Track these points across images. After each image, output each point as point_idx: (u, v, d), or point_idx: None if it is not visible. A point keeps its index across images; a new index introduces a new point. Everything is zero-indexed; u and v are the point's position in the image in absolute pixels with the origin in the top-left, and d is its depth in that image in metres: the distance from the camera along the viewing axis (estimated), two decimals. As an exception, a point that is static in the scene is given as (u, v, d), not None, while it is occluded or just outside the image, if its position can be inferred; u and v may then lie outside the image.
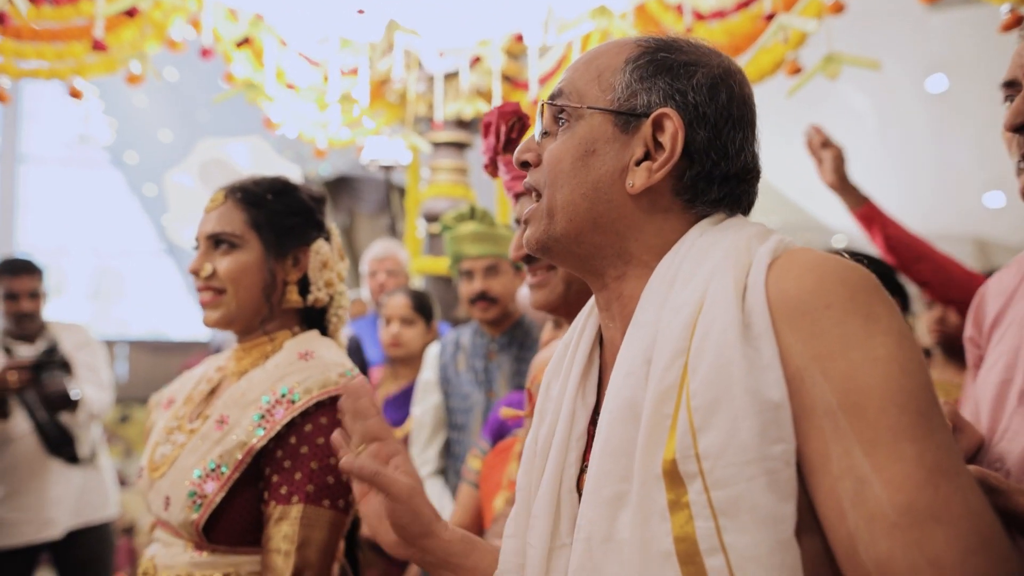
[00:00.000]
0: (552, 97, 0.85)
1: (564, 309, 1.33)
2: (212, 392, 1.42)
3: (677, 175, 0.79)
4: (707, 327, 0.69)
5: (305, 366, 1.32)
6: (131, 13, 3.16)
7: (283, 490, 1.25)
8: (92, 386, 3.08)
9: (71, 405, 2.88)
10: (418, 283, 4.15)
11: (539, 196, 0.85)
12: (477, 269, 2.43)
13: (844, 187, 2.17)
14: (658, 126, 0.79)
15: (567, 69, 0.87)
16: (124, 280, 11.07)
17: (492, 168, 1.42)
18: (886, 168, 6.19)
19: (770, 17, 2.80)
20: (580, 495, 0.81)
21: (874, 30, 4.46)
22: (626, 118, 0.80)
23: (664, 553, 0.68)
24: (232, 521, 1.26)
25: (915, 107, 5.44)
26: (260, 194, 1.40)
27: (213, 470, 1.26)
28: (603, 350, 0.90)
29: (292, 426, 1.27)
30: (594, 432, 0.83)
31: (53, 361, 2.86)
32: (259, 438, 1.26)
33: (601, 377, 0.88)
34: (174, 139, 8.74)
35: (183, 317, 10.82)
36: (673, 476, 0.68)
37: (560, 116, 0.84)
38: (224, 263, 1.35)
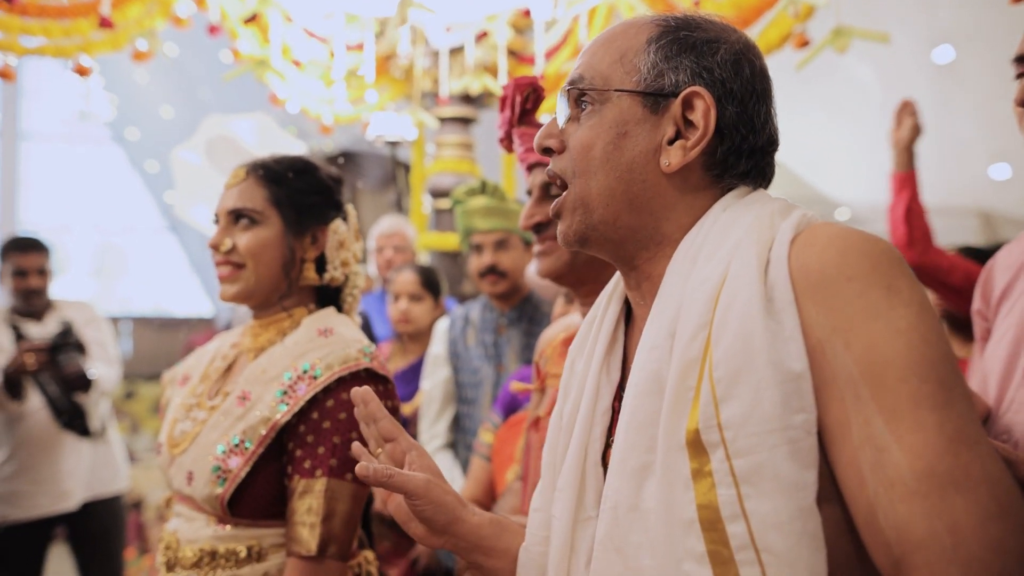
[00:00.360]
0: (573, 82, 0.85)
1: (570, 277, 1.34)
2: (228, 369, 1.44)
3: (709, 151, 0.81)
4: (730, 300, 0.71)
5: (325, 343, 1.34)
6: (137, -10, 3.14)
7: (307, 464, 1.27)
8: (101, 363, 3.11)
9: (88, 385, 2.91)
10: (424, 259, 4.16)
11: (563, 185, 0.86)
12: (487, 243, 2.44)
13: (906, 148, 2.39)
14: (688, 104, 0.80)
15: (583, 53, 0.87)
16: (127, 257, 11.08)
17: (507, 141, 1.43)
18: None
19: (779, -10, 2.78)
20: (605, 469, 0.83)
21: (880, 1, 4.42)
22: (655, 98, 0.80)
23: (687, 520, 0.69)
24: (256, 495, 1.28)
25: (921, 79, 5.41)
26: (282, 172, 1.41)
27: (237, 445, 1.28)
28: (629, 327, 0.91)
29: (314, 402, 1.28)
30: (618, 408, 0.84)
31: (69, 343, 2.87)
32: (282, 414, 1.28)
33: (626, 354, 0.89)
34: (175, 115, 8.71)
35: (186, 293, 10.86)
36: (696, 446, 0.70)
37: (583, 100, 0.84)
38: (244, 238, 1.37)
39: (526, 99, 1.37)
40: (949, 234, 6.57)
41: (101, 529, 3.22)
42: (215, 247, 1.38)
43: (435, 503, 0.89)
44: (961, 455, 0.63)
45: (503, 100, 1.39)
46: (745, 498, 0.66)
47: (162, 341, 9.56)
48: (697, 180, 0.82)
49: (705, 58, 0.80)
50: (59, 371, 2.85)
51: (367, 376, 1.31)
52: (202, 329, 9.45)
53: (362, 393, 0.96)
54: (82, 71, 3.18)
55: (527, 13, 3.70)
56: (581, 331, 0.96)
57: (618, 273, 0.93)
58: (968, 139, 5.61)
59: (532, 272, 2.43)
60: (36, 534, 3.02)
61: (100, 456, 3.18)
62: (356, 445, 0.97)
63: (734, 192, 0.82)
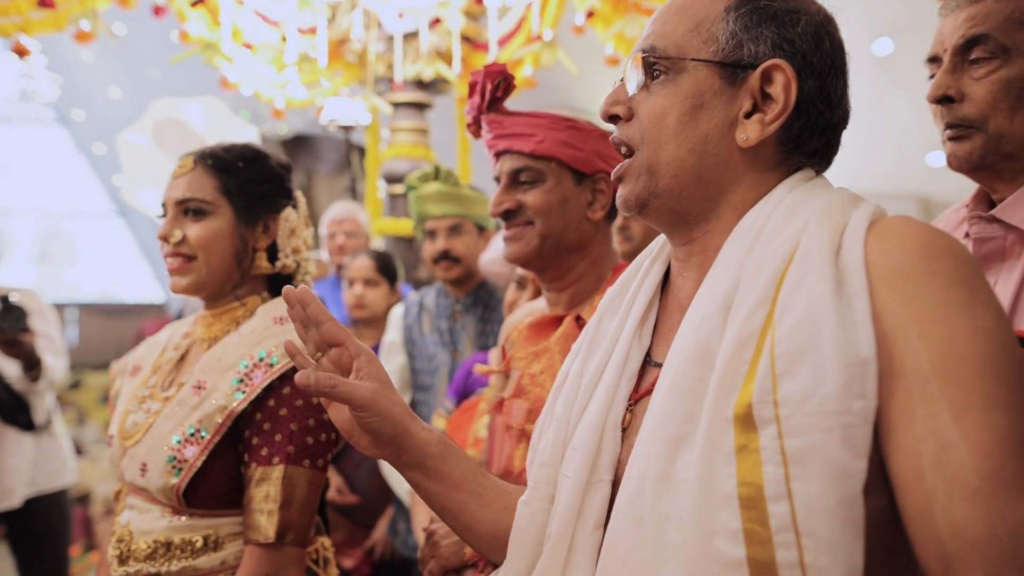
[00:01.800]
0: (645, 51, 0.81)
1: (537, 263, 1.37)
2: (182, 359, 1.43)
3: (786, 126, 0.79)
4: (798, 279, 0.69)
5: (281, 330, 1.35)
6: (80, -30, 3.06)
7: (264, 452, 1.27)
8: (49, 354, 3.01)
9: (31, 353, 2.76)
10: (379, 244, 4.16)
11: (630, 152, 0.84)
12: (440, 229, 2.46)
13: None
14: (766, 78, 0.78)
15: (654, 20, 0.84)
16: (73, 242, 10.77)
17: (476, 127, 1.44)
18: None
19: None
20: (622, 433, 0.82)
21: (824, -7, 4.54)
22: (733, 70, 0.78)
23: (725, 496, 0.67)
24: (212, 484, 1.28)
25: (862, 70, 5.56)
26: (231, 161, 1.40)
27: (192, 435, 1.28)
28: (665, 296, 0.89)
29: (271, 389, 1.29)
30: (642, 373, 0.85)
31: (10, 308, 2.70)
32: (239, 401, 1.28)
33: (658, 323, 0.88)
34: (123, 96, 8.47)
35: (136, 279, 10.61)
36: (746, 420, 0.67)
37: (656, 69, 0.80)
38: (195, 229, 1.36)
39: (496, 86, 1.37)
40: (890, 220, 6.80)
41: (44, 526, 3.11)
42: (164, 238, 1.36)
43: (381, 414, 0.86)
44: None
45: (473, 86, 1.40)
46: (792, 479, 0.64)
47: (110, 329, 9.34)
48: (768, 155, 0.80)
49: (786, 29, 0.78)
50: (3, 336, 2.68)
51: None
52: (153, 316, 9.26)
53: (299, 293, 0.88)
54: (21, 51, 3.09)
55: (479, 1, 3.71)
56: (614, 291, 0.93)
57: (663, 237, 0.91)
58: (906, 128, 5.80)
59: (485, 259, 2.47)
60: None
61: (44, 450, 3.08)
62: (289, 342, 0.90)
63: (799, 174, 0.81)
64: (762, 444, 0.66)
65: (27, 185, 9.99)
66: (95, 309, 9.64)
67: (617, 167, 0.85)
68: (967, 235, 1.14)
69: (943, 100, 1.10)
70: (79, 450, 5.65)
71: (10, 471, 2.94)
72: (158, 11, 3.34)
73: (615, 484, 0.80)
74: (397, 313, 2.66)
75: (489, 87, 1.37)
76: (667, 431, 0.73)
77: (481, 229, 2.53)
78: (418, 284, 3.77)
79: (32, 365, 2.84)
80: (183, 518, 1.28)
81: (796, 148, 0.80)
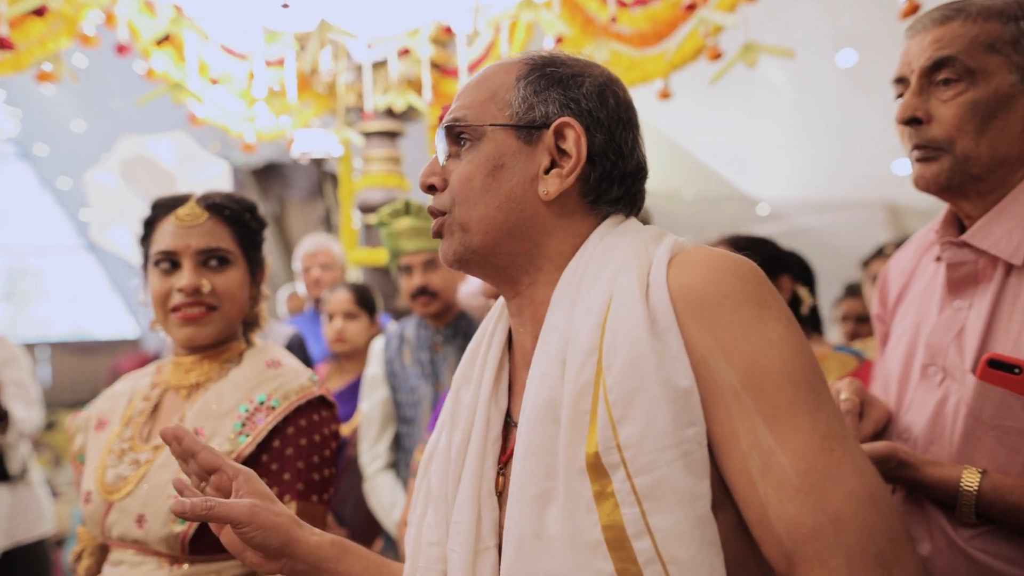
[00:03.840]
0: (449, 121, 0.88)
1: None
2: (155, 409, 1.41)
3: (583, 178, 0.85)
4: (616, 325, 0.75)
5: (276, 374, 1.36)
6: (39, 12, 3.01)
7: (275, 491, 1.26)
8: (21, 404, 2.96)
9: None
10: (356, 275, 4.13)
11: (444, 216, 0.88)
12: (416, 264, 2.44)
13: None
14: (559, 134, 0.84)
15: (458, 95, 0.90)
16: (41, 278, 10.57)
17: None
18: (803, 138, 6.45)
19: (691, 7, 2.88)
20: (499, 497, 0.85)
21: (786, 8, 4.62)
22: (528, 130, 0.85)
23: (593, 543, 0.72)
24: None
25: (827, 81, 5.67)
26: (241, 212, 1.43)
27: None
28: (512, 354, 0.93)
29: (275, 431, 1.31)
30: (507, 435, 0.88)
31: None
32: (245, 444, 1.29)
33: (511, 382, 0.91)
34: (87, 129, 8.36)
35: (107, 315, 10.44)
36: (597, 468, 0.72)
37: (462, 137, 0.87)
38: (221, 280, 1.37)
39: None
40: (860, 227, 6.92)
41: None
42: (195, 290, 1.34)
43: (264, 527, 0.89)
44: (834, 451, 0.70)
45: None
46: (648, 514, 0.70)
47: (84, 366, 9.16)
48: (574, 206, 0.86)
49: (571, 90, 0.85)
50: None
51: (319, 403, 1.36)
52: (126, 352, 9.09)
53: (173, 431, 0.93)
54: (-17, 94, 3.03)
55: (448, 30, 3.71)
56: (466, 359, 0.96)
57: (500, 301, 0.96)
58: (872, 137, 5.90)
59: (464, 293, 2.45)
60: None
61: (21, 500, 3.02)
62: (177, 479, 0.94)
63: (609, 221, 0.87)
64: (615, 488, 0.71)
65: (-9, 222, 9.80)
66: (67, 347, 9.46)
67: (434, 223, 0.90)
68: (938, 258, 1.15)
69: (911, 121, 1.11)
70: (54, 492, 5.51)
71: None
72: (122, 50, 3.29)
73: (501, 548, 0.82)
74: (378, 346, 2.64)
75: None
76: (531, 490, 0.76)
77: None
78: (397, 314, 3.74)
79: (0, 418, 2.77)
80: (184, 566, 1.27)
81: (599, 198, 0.86)
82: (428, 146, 4.47)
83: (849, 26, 5.19)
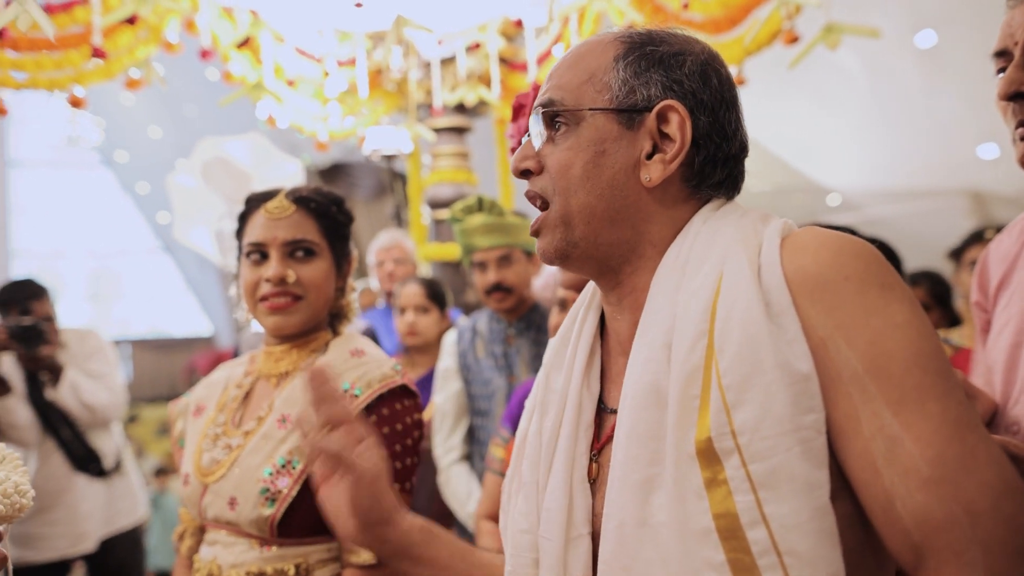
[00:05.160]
0: (544, 104, 0.85)
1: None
2: (247, 396, 1.46)
3: (687, 163, 0.82)
4: (729, 308, 0.72)
5: (360, 363, 1.39)
6: (131, 20, 3.14)
7: None
8: (105, 392, 3.09)
9: (42, 336, 2.81)
10: (426, 270, 4.18)
11: (544, 204, 0.86)
12: (490, 260, 2.45)
13: None
14: (662, 118, 0.81)
15: (551, 75, 0.87)
16: (122, 280, 11.05)
17: None
18: (879, 125, 6.22)
19: (768, -10, 2.81)
20: (592, 485, 0.83)
21: (863, -12, 4.46)
22: (629, 114, 0.81)
23: (703, 531, 0.69)
24: (304, 514, 1.30)
25: (905, 63, 5.45)
26: (327, 205, 1.46)
27: (284, 466, 1.31)
28: (605, 341, 0.91)
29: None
30: (599, 422, 0.86)
31: (30, 325, 2.79)
32: None
33: (603, 368, 0.89)
34: (164, 135, 8.70)
35: (183, 314, 10.84)
36: (708, 454, 0.70)
37: (557, 121, 0.84)
38: (306, 270, 1.41)
39: None
40: (939, 216, 6.64)
41: (122, 562, 3.20)
42: (281, 279, 1.38)
43: (376, 496, 0.87)
44: (967, 439, 0.66)
45: (519, 108, 1.39)
46: (764, 503, 0.67)
47: (162, 363, 9.55)
48: (676, 192, 0.83)
49: (673, 71, 0.82)
50: (16, 334, 2.76)
51: (402, 392, 1.37)
52: (202, 349, 9.43)
53: (319, 372, 0.91)
54: (76, 102, 3.18)
55: (518, 23, 3.72)
56: (555, 346, 0.95)
57: (592, 285, 0.94)
58: (955, 121, 5.66)
59: (539, 286, 2.45)
60: (53, 573, 2.99)
61: (117, 491, 3.15)
62: (302, 418, 0.92)
63: (710, 204, 0.84)
64: (728, 474, 0.69)
65: (77, 226, 10.30)
66: (146, 345, 9.87)
67: (534, 221, 0.87)
68: None
69: (1015, 97, 1.04)
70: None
71: (84, 517, 3.01)
72: (205, 55, 3.41)
73: (594, 536, 0.81)
74: (451, 339, 2.66)
75: None
76: (635, 476, 0.74)
77: (529, 255, 2.52)
78: (467, 309, 3.77)
79: (55, 372, 2.91)
80: (274, 548, 1.31)
81: (701, 182, 0.83)
82: (496, 142, 4.49)
83: (928, 6, 4.97)
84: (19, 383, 2.93)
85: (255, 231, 1.42)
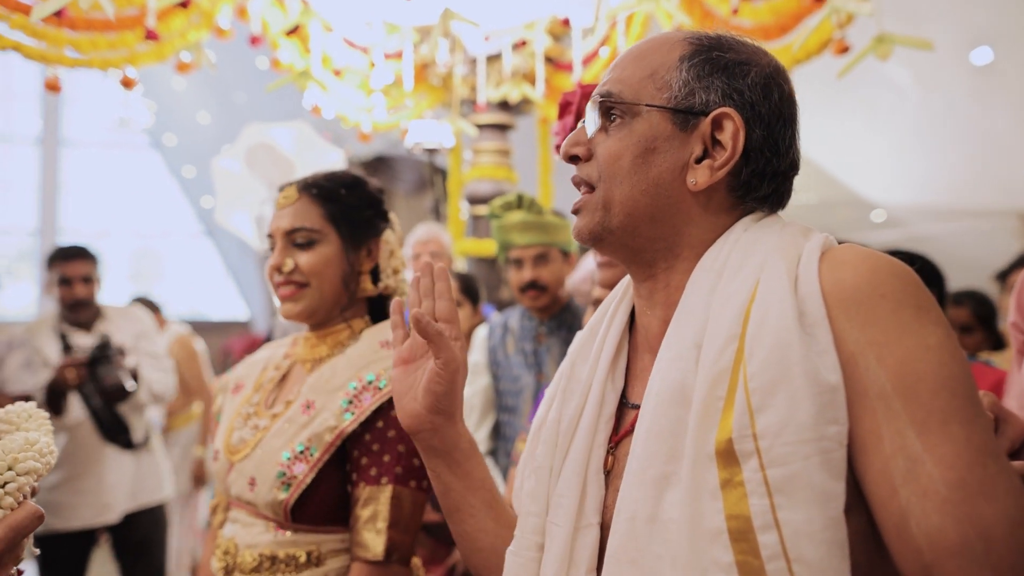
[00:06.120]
0: (603, 95, 0.86)
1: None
2: (283, 378, 1.47)
3: (734, 172, 0.82)
4: (763, 314, 0.72)
5: (387, 354, 1.38)
6: (184, 4, 3.21)
7: (372, 472, 1.30)
8: (158, 372, 3.16)
9: (125, 396, 2.93)
10: (461, 265, 4.19)
11: (590, 189, 0.87)
12: (526, 258, 2.45)
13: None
14: (717, 124, 0.81)
15: (614, 67, 0.88)
16: (163, 261, 11.26)
17: None
18: (928, 142, 6.08)
19: (820, -2, 2.76)
20: (606, 476, 0.84)
21: (918, 3, 4.37)
22: (685, 116, 0.82)
23: (715, 531, 0.70)
24: (318, 501, 1.31)
25: (959, 80, 5.32)
26: (334, 189, 1.44)
27: (302, 452, 1.31)
28: (633, 337, 0.92)
29: (379, 411, 1.31)
30: (620, 416, 0.87)
31: (107, 355, 2.89)
32: (349, 422, 1.31)
33: (628, 364, 0.90)
34: (212, 121, 8.86)
35: (221, 297, 11.01)
36: (727, 455, 0.70)
37: (613, 113, 0.85)
38: (305, 258, 1.40)
39: None
40: (987, 236, 6.47)
41: (144, 538, 3.25)
42: (277, 268, 1.40)
43: (453, 386, 0.93)
44: (988, 466, 0.66)
45: (566, 106, 1.39)
46: (778, 508, 0.67)
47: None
48: (720, 199, 0.83)
49: (736, 80, 0.82)
50: (99, 384, 2.88)
51: None
52: (237, 333, 9.58)
53: (438, 269, 0.97)
54: (128, 83, 3.25)
55: (566, 22, 3.71)
56: (583, 336, 0.96)
57: (626, 281, 0.95)
58: (1008, 140, 5.51)
59: (576, 279, 2.45)
60: (79, 543, 3.05)
61: (143, 467, 3.21)
62: (396, 301, 1.00)
63: (753, 215, 0.84)
64: (745, 477, 0.69)
65: (123, 207, 10.52)
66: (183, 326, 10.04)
67: (576, 201, 0.88)
68: None
69: None
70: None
71: (111, 487, 3.07)
72: (255, 41, 3.47)
73: (603, 528, 0.82)
74: (481, 334, 2.67)
75: (584, 107, 1.37)
76: (651, 472, 0.75)
77: (566, 254, 2.51)
78: (500, 305, 3.78)
79: (121, 398, 2.97)
80: (288, 533, 1.31)
81: (746, 194, 0.83)
82: (538, 140, 4.49)
83: (985, 22, 4.85)
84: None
85: (271, 221, 1.45)
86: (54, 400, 2.87)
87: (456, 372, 0.92)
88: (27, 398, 0.96)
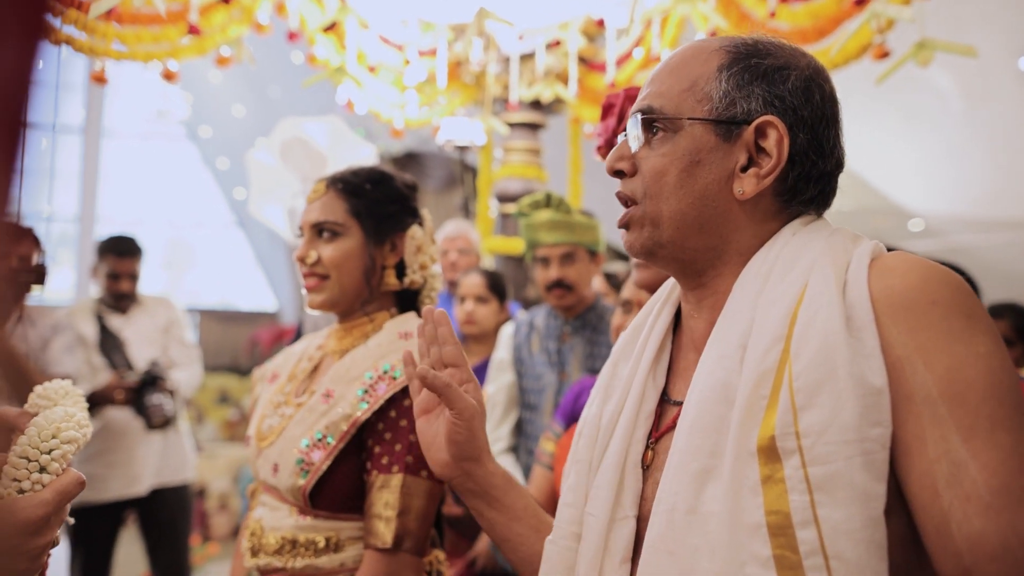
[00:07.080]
0: (644, 110, 0.86)
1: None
2: (315, 369, 1.51)
3: (780, 178, 0.83)
4: (810, 317, 0.73)
5: (405, 345, 1.40)
6: (226, 0, 3.26)
7: (384, 460, 1.32)
8: (183, 363, 3.31)
9: (168, 423, 3.08)
10: (489, 263, 4.20)
11: (634, 202, 0.87)
12: (553, 257, 2.45)
13: None
14: (760, 133, 0.82)
15: (652, 79, 0.88)
16: (195, 251, 11.43)
17: (607, 149, 1.45)
18: (973, 151, 5.94)
19: (860, 2, 2.72)
20: (644, 471, 0.86)
21: (965, 6, 4.27)
22: (727, 127, 0.82)
23: (754, 525, 0.71)
24: (335, 488, 1.34)
25: (1006, 87, 5.19)
26: (360, 184, 1.47)
27: (320, 440, 1.35)
28: (677, 337, 0.93)
29: (393, 401, 1.34)
30: (660, 412, 0.89)
31: (154, 380, 3.04)
32: (363, 411, 1.34)
33: (671, 362, 0.92)
34: (246, 114, 8.98)
35: (251, 288, 11.15)
36: (769, 452, 0.71)
37: (655, 127, 0.85)
38: (328, 250, 1.43)
39: None
40: (1029, 249, 6.30)
41: (168, 516, 3.37)
42: (301, 260, 1.45)
43: (473, 432, 0.96)
44: None
45: (609, 108, 1.40)
46: (818, 505, 0.68)
47: (226, 334, 9.86)
48: (767, 205, 0.84)
49: (776, 86, 0.82)
50: (141, 406, 3.03)
51: None
52: (265, 324, 9.71)
53: (438, 314, 1.00)
54: (169, 76, 3.31)
55: (600, 22, 3.70)
56: (627, 335, 0.98)
57: (671, 282, 0.96)
58: (1053, 151, 5.37)
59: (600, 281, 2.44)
60: (109, 516, 3.18)
61: (170, 445, 3.34)
62: (407, 353, 1.02)
63: (800, 219, 0.84)
64: (787, 474, 0.70)
65: (158, 197, 10.71)
66: (213, 315, 10.20)
67: (622, 215, 0.88)
68: None
69: None
70: (198, 447, 5.97)
71: (140, 460, 3.20)
72: (292, 37, 3.51)
73: (639, 520, 0.84)
74: (507, 332, 2.67)
75: (628, 110, 1.37)
76: (693, 466, 0.76)
77: (593, 254, 2.51)
78: (527, 303, 3.78)
79: (166, 424, 3.11)
80: (308, 518, 1.34)
81: (793, 198, 0.84)
82: (569, 140, 4.48)
83: (1033, 29, 4.73)
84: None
85: (303, 215, 1.49)
86: (93, 405, 2.98)
87: (472, 419, 0.95)
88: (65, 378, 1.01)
